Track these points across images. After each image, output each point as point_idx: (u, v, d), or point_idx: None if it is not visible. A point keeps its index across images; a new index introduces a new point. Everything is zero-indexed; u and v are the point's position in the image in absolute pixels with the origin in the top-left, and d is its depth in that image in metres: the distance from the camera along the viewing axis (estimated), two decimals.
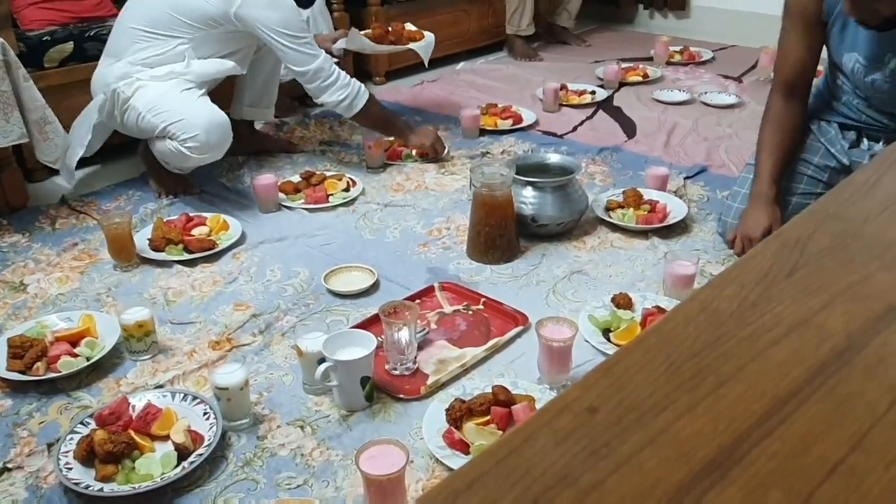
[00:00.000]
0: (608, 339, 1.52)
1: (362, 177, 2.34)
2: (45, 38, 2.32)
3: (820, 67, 1.83)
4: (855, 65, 1.65)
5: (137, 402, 1.33)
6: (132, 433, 1.25)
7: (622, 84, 3.23)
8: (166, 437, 1.26)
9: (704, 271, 1.76)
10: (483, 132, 2.72)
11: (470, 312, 1.65)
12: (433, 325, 1.61)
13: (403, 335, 1.42)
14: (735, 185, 1.93)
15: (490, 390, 1.31)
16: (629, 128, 2.77)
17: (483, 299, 1.68)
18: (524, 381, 1.40)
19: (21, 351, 1.45)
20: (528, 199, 1.90)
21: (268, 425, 1.33)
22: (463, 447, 1.23)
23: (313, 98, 2.23)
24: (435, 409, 1.31)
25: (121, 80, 2.05)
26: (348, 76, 2.21)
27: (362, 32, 2.54)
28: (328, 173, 2.31)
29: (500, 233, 1.82)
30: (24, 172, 2.26)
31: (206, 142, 2.01)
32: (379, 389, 1.40)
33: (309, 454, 1.27)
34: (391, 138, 2.48)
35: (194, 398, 1.35)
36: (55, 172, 2.27)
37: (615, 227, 1.98)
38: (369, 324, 1.58)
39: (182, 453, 1.23)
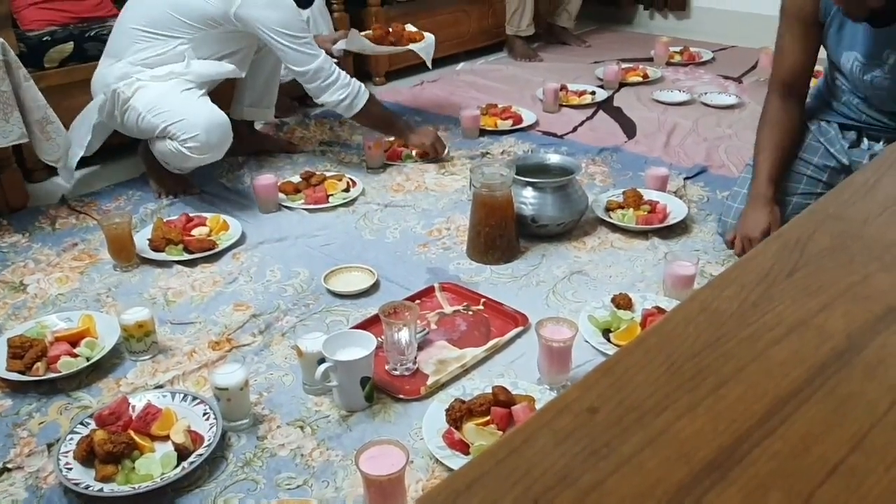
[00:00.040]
0: (608, 340, 1.52)
1: (362, 177, 2.34)
2: (45, 39, 2.32)
3: (819, 68, 1.83)
4: (854, 63, 1.65)
5: (137, 403, 1.33)
6: (132, 433, 1.25)
7: (622, 84, 3.23)
8: (166, 438, 1.26)
9: (704, 272, 1.76)
10: (483, 132, 2.72)
11: (470, 313, 1.65)
12: (433, 326, 1.61)
13: (403, 335, 1.42)
14: (735, 185, 1.93)
15: (490, 391, 1.31)
16: (629, 128, 2.77)
17: (483, 300, 1.68)
18: (524, 382, 1.40)
19: (21, 351, 1.45)
20: (528, 199, 1.90)
21: (268, 425, 1.33)
22: (463, 447, 1.23)
23: (313, 98, 2.23)
24: (435, 409, 1.31)
25: (121, 80, 2.06)
26: (348, 76, 2.21)
27: (362, 33, 2.54)
28: (328, 174, 2.32)
29: (500, 233, 1.82)
30: (24, 172, 2.26)
31: (206, 142, 2.01)
32: (379, 390, 1.40)
33: (309, 454, 1.27)
34: (391, 138, 2.48)
35: (194, 398, 1.35)
36: (55, 172, 2.27)
37: (615, 228, 1.98)
38: (369, 324, 1.58)
39: (182, 453, 1.23)
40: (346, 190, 2.23)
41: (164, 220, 1.99)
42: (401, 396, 1.39)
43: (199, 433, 1.27)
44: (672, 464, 0.42)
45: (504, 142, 2.66)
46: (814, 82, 2.00)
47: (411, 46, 2.60)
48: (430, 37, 2.66)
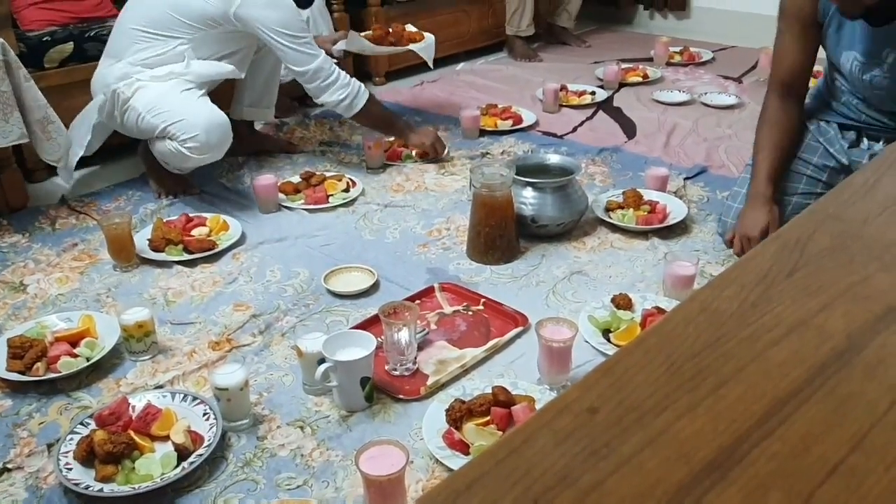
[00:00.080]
0: (608, 340, 1.52)
1: (362, 177, 2.34)
2: (45, 39, 2.32)
3: (819, 68, 1.83)
4: (853, 63, 1.66)
5: (137, 403, 1.33)
6: (132, 433, 1.25)
7: (622, 85, 3.23)
8: (166, 438, 1.26)
9: (704, 272, 1.76)
10: (483, 133, 2.72)
11: (470, 313, 1.65)
12: (433, 326, 1.61)
13: (403, 336, 1.42)
14: (735, 185, 1.93)
15: (490, 391, 1.31)
16: (629, 128, 2.77)
17: (483, 300, 1.68)
18: (524, 382, 1.40)
19: (21, 351, 1.45)
20: (527, 199, 1.90)
21: (268, 426, 1.33)
22: (463, 448, 1.23)
23: (313, 98, 2.23)
24: (435, 409, 1.31)
25: (121, 80, 2.06)
26: (348, 76, 2.21)
27: (362, 34, 2.54)
28: (328, 174, 2.32)
29: (500, 233, 1.82)
30: (24, 173, 2.26)
31: (206, 142, 2.01)
32: (379, 390, 1.40)
33: (309, 455, 1.27)
34: (391, 138, 2.48)
35: (194, 398, 1.35)
36: (55, 172, 2.27)
37: (615, 228, 1.98)
38: (369, 324, 1.58)
39: (182, 454, 1.23)
40: (346, 190, 2.23)
41: (164, 221, 1.99)
42: (401, 397, 1.39)
43: (199, 433, 1.27)
44: (672, 464, 0.42)
45: (504, 142, 2.66)
46: (813, 82, 2.00)
47: (411, 46, 2.61)
48: (430, 37, 2.66)
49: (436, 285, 1.74)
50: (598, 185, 2.28)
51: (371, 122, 2.36)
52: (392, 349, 1.43)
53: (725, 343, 0.52)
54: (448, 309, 1.67)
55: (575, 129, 2.77)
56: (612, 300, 1.62)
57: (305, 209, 2.14)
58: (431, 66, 2.76)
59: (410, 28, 2.68)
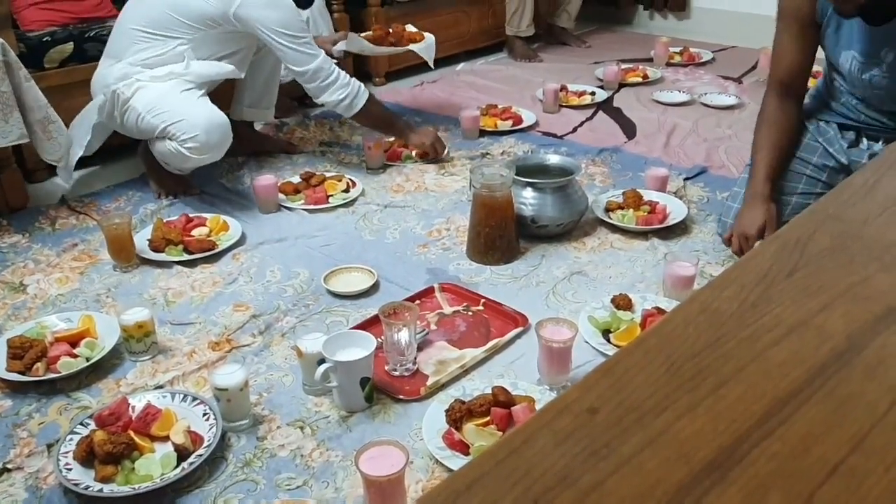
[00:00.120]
0: (608, 340, 1.52)
1: (362, 178, 2.34)
2: (45, 39, 2.32)
3: (819, 68, 1.83)
4: (852, 63, 1.66)
5: (137, 403, 1.33)
6: (132, 434, 1.25)
7: (622, 85, 3.23)
8: (166, 438, 1.26)
9: (704, 272, 1.76)
10: (483, 133, 2.72)
11: (470, 313, 1.65)
12: (433, 326, 1.61)
13: (403, 336, 1.42)
14: (735, 185, 1.93)
15: (490, 391, 1.31)
16: (629, 129, 2.77)
17: (483, 300, 1.68)
18: (524, 382, 1.40)
19: (21, 351, 1.45)
20: (527, 200, 1.90)
21: (267, 426, 1.33)
22: (463, 448, 1.23)
23: (313, 98, 2.23)
24: (435, 409, 1.31)
25: (121, 80, 2.06)
26: (348, 76, 2.21)
27: (363, 35, 2.54)
28: (328, 174, 2.32)
29: (500, 234, 1.82)
30: (24, 173, 2.26)
31: (205, 142, 2.01)
32: (379, 390, 1.40)
33: (309, 455, 1.27)
34: (391, 139, 2.48)
35: (194, 399, 1.35)
36: (55, 173, 2.27)
37: (615, 228, 1.98)
38: (369, 325, 1.58)
39: (182, 454, 1.23)
40: (346, 190, 2.23)
41: (164, 221, 1.99)
42: (400, 397, 1.39)
43: (199, 434, 1.27)
44: (672, 464, 0.42)
45: (504, 142, 2.66)
46: (812, 83, 2.00)
47: (411, 47, 2.61)
48: (430, 37, 2.66)
49: (436, 286, 1.74)
50: (598, 186, 2.28)
51: (371, 122, 2.36)
52: (392, 349, 1.43)
53: (725, 343, 0.52)
54: (448, 309, 1.67)
55: (575, 130, 2.77)
56: (612, 300, 1.62)
57: (305, 209, 2.14)
58: (432, 66, 2.76)
59: (410, 28, 2.68)
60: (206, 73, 2.11)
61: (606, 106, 3.01)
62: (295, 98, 2.95)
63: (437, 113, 2.96)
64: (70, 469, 1.20)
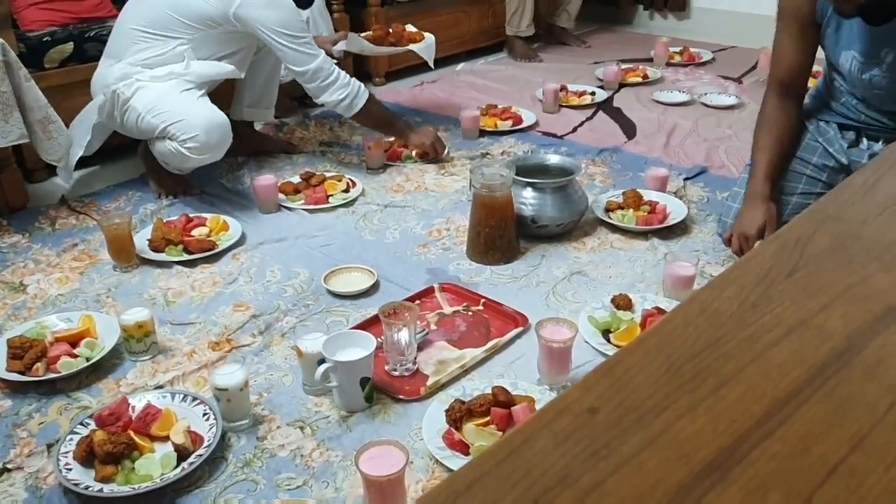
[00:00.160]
0: (608, 340, 1.52)
1: (362, 178, 2.34)
2: (45, 39, 2.32)
3: (819, 68, 1.83)
4: (852, 62, 1.66)
5: (137, 403, 1.33)
6: (132, 434, 1.25)
7: (622, 85, 3.23)
8: (166, 438, 1.26)
9: (704, 272, 1.76)
10: (483, 133, 2.72)
11: (470, 313, 1.65)
12: (433, 326, 1.61)
13: (403, 336, 1.42)
14: (735, 185, 1.93)
15: (490, 391, 1.31)
16: (629, 129, 2.77)
17: (483, 300, 1.68)
18: (524, 382, 1.40)
19: (21, 351, 1.45)
20: (527, 200, 1.90)
21: (267, 426, 1.33)
22: (463, 448, 1.23)
23: (313, 98, 2.23)
24: (435, 409, 1.31)
25: (121, 80, 2.06)
26: (348, 76, 2.21)
27: (363, 35, 2.54)
28: (328, 174, 2.32)
29: (500, 234, 1.82)
30: (24, 173, 2.26)
31: (205, 142, 2.01)
32: (379, 390, 1.40)
33: (309, 455, 1.27)
34: (391, 139, 2.48)
35: (194, 399, 1.35)
36: (55, 173, 2.27)
37: (615, 228, 1.98)
38: (369, 325, 1.58)
39: (182, 454, 1.23)
40: (346, 190, 2.23)
41: (164, 221, 1.99)
42: (400, 397, 1.39)
43: (199, 434, 1.27)
44: (672, 464, 0.42)
45: (504, 142, 2.66)
46: (812, 83, 2.00)
47: (411, 47, 2.61)
48: (430, 37, 2.66)
49: (436, 285, 1.74)
50: (598, 186, 2.28)
51: (371, 122, 2.36)
52: (392, 349, 1.43)
53: (725, 343, 0.52)
54: (448, 309, 1.67)
55: (575, 130, 2.77)
56: (612, 300, 1.62)
57: (305, 209, 2.14)
58: (432, 66, 2.76)
59: (410, 28, 2.68)
60: (206, 73, 2.11)
61: (606, 106, 3.01)
62: (295, 98, 2.95)
63: (437, 113, 2.96)
64: (70, 469, 1.20)
